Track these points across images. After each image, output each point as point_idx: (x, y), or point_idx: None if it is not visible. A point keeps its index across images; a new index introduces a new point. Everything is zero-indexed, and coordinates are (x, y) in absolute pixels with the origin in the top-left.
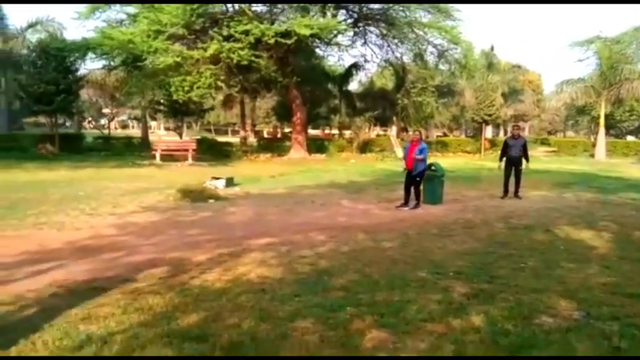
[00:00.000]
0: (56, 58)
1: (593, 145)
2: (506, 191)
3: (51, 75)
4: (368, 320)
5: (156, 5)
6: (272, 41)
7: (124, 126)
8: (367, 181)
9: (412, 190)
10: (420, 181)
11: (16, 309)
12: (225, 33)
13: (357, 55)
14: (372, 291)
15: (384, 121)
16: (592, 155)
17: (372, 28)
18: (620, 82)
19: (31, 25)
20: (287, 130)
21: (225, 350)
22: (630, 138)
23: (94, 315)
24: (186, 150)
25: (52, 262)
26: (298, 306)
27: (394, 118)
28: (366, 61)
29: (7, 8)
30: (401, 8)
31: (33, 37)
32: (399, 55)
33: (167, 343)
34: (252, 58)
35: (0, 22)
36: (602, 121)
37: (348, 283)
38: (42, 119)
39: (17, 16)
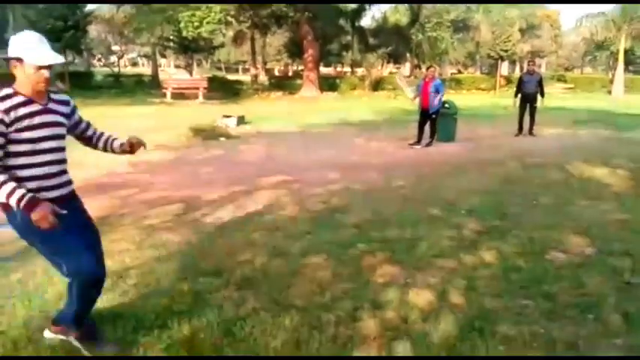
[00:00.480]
0: None
1: (611, 81)
2: (520, 128)
3: (59, 10)
4: (379, 256)
5: None
6: None
7: (134, 64)
8: (380, 120)
9: (427, 127)
10: (436, 119)
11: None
12: None
13: None
14: (383, 228)
15: (397, 58)
16: (609, 92)
17: None
18: None
19: None
20: (298, 67)
21: (238, 285)
22: None
23: (109, 250)
24: (197, 88)
25: None
26: (310, 243)
27: (408, 55)
28: None
29: None
30: None
31: None
32: None
33: (182, 278)
34: None
35: None
36: (621, 56)
37: (360, 221)
38: None
39: None
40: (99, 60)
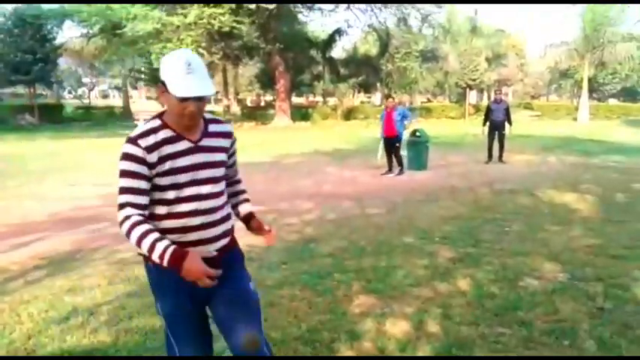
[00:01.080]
0: (33, 26)
1: (576, 108)
2: (490, 156)
3: (28, 43)
4: (355, 286)
5: None
6: (253, 6)
7: (105, 96)
8: (352, 149)
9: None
10: (399, 147)
11: None
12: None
13: (340, 21)
14: (358, 257)
15: (368, 88)
16: (575, 119)
17: None
18: (603, 44)
19: None
20: (270, 98)
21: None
22: (613, 101)
23: (80, 286)
24: None
25: (34, 234)
26: (286, 273)
27: (378, 85)
28: (349, 26)
29: None
30: None
31: (8, 4)
32: (382, 19)
33: (155, 313)
34: (234, 24)
35: None
36: (585, 84)
37: (335, 250)
38: (20, 89)
39: None
40: (69, 92)
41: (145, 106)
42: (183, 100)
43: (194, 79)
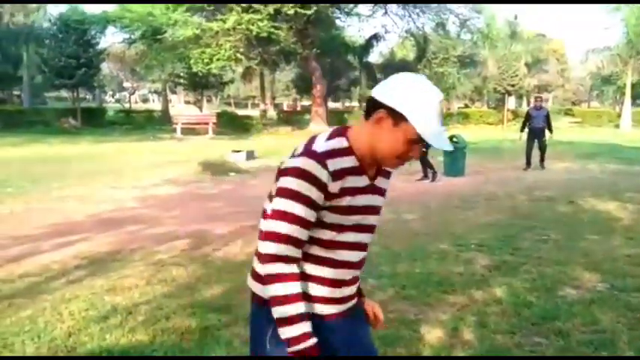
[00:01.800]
0: (77, 31)
1: (619, 115)
2: (528, 162)
3: (72, 48)
4: (390, 292)
5: None
6: (291, 12)
7: (145, 100)
8: None
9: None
10: (427, 152)
11: (42, 280)
12: (244, 4)
13: (377, 26)
14: (393, 263)
15: None
16: (617, 126)
17: None
18: None
19: None
20: (307, 103)
21: (247, 321)
22: None
23: (119, 286)
24: (207, 123)
25: (76, 234)
26: None
27: None
28: (386, 31)
29: None
30: None
31: (54, 10)
32: (420, 25)
33: (191, 314)
34: (272, 30)
35: None
36: (628, 90)
37: (369, 255)
38: (64, 93)
39: None
40: (111, 96)
41: (183, 110)
42: (416, 142)
43: (444, 128)
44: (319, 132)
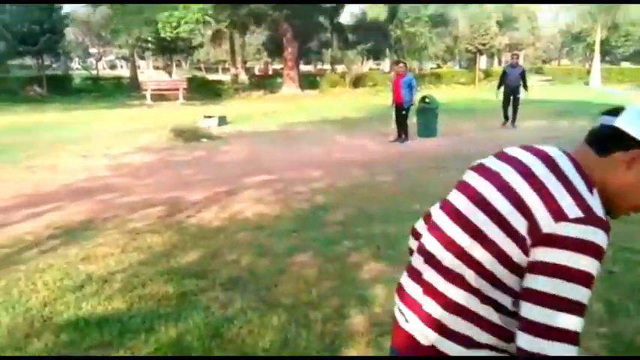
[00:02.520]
0: None
1: (588, 72)
2: (506, 117)
3: (35, 14)
4: (365, 253)
5: None
6: None
7: (113, 66)
8: (361, 117)
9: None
10: (407, 114)
11: (15, 251)
12: None
13: None
14: (368, 224)
15: (377, 54)
16: (586, 83)
17: None
18: (617, 5)
19: None
20: (278, 66)
21: (225, 286)
22: (625, 64)
23: (93, 255)
24: (177, 89)
25: (48, 204)
26: (296, 241)
27: (387, 51)
28: None
29: None
30: None
31: None
32: None
33: (168, 280)
34: None
35: None
36: (597, 47)
37: (344, 218)
38: (28, 61)
39: None
40: (77, 63)
41: (152, 76)
42: None
43: None
44: (290, 95)
